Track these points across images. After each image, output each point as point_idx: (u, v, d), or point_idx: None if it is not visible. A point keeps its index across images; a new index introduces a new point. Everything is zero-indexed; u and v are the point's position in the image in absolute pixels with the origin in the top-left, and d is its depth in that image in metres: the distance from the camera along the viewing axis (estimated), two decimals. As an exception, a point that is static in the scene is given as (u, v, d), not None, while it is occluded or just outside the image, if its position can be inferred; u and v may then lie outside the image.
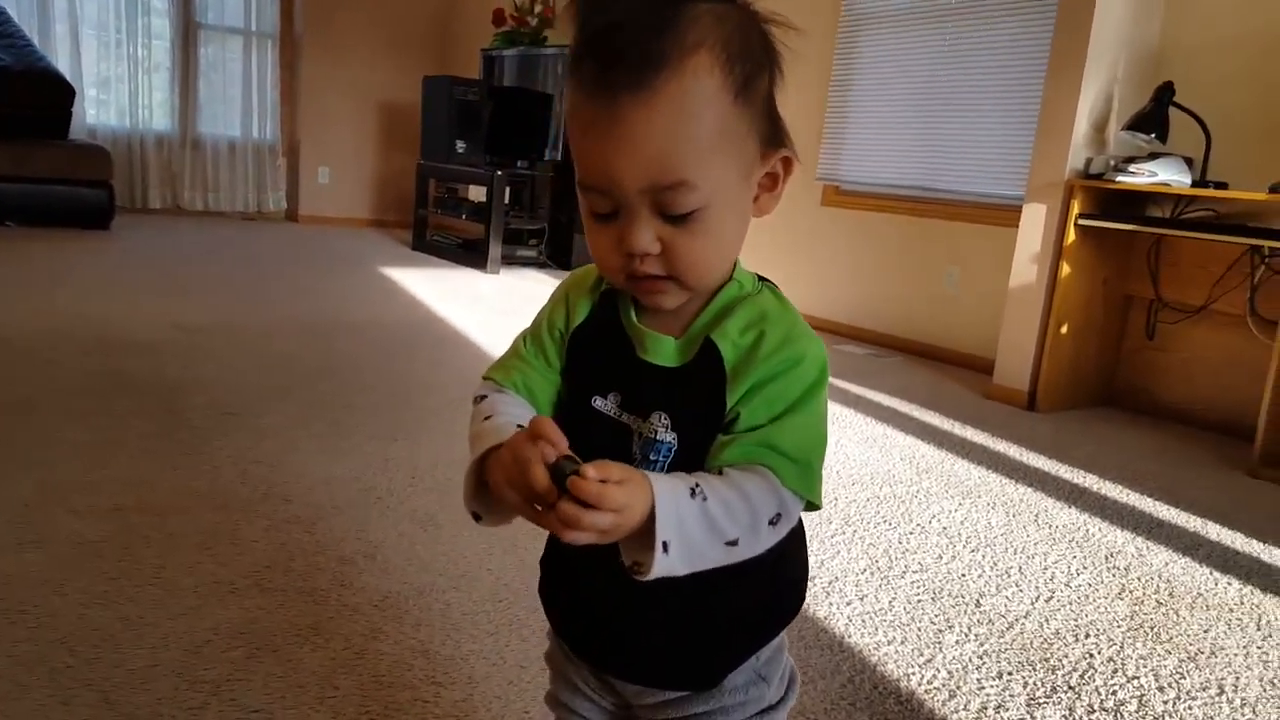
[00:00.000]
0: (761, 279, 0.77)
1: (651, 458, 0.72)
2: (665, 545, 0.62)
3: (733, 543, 0.66)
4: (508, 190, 6.11)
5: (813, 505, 0.71)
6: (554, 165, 6.40)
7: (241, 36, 7.52)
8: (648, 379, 0.74)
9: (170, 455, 2.19)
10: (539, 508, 0.62)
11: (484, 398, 0.77)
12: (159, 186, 7.32)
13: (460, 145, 6.32)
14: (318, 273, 5.28)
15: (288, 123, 7.79)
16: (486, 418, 0.74)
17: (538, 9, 6.61)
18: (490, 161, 6.18)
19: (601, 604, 0.77)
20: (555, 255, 6.47)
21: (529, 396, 0.78)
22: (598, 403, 0.75)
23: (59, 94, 5.99)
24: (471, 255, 6.15)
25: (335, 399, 2.77)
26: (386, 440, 2.43)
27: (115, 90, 7.10)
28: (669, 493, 0.63)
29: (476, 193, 6.30)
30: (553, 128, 6.21)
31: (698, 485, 0.65)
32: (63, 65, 6.61)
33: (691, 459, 0.72)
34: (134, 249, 5.48)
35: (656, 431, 0.72)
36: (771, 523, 0.68)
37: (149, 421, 2.41)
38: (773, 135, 0.71)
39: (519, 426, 0.70)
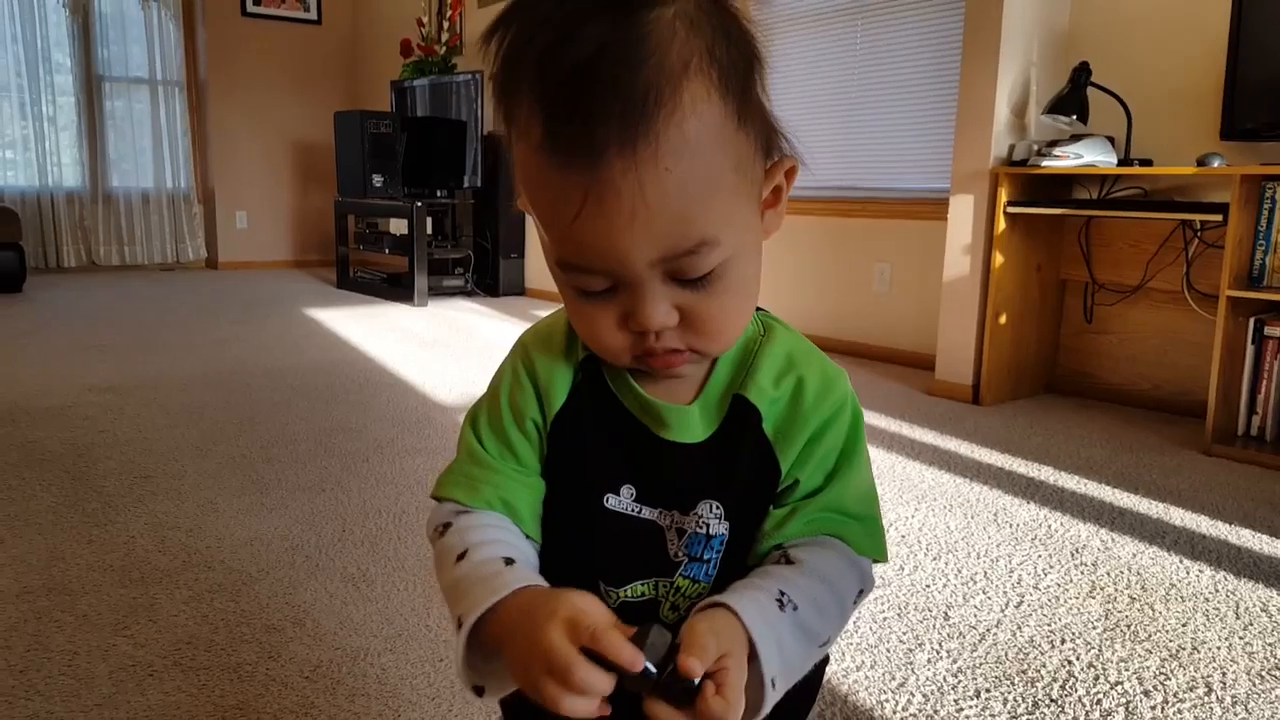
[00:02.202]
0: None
1: (704, 556, 0.61)
2: (773, 682, 0.53)
3: (825, 642, 0.59)
4: (429, 221, 6.00)
5: (880, 560, 0.64)
6: (474, 192, 6.31)
7: (147, 86, 7.31)
8: (675, 462, 0.61)
9: (82, 528, 2.03)
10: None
11: (447, 526, 0.61)
12: (72, 244, 7.09)
13: (377, 179, 6.21)
14: (238, 320, 5.09)
15: (200, 169, 7.59)
16: (460, 556, 0.58)
17: (444, 37, 6.52)
18: (409, 193, 6.09)
19: None
20: (482, 282, 6.36)
21: (506, 512, 0.62)
22: (611, 502, 0.61)
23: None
24: (397, 290, 6.04)
25: (256, 452, 2.62)
26: (313, 492, 2.30)
27: (22, 150, 6.88)
28: (763, 624, 0.53)
29: (397, 225, 6.18)
30: (469, 155, 6.11)
31: (783, 594, 0.56)
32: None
33: (741, 545, 0.62)
34: (46, 310, 5.26)
35: (708, 524, 0.60)
36: (855, 601, 0.61)
37: (58, 493, 2.25)
38: (771, 143, 0.58)
39: (506, 561, 0.57)
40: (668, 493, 0.61)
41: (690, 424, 0.61)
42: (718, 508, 0.61)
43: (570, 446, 0.62)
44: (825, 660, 0.73)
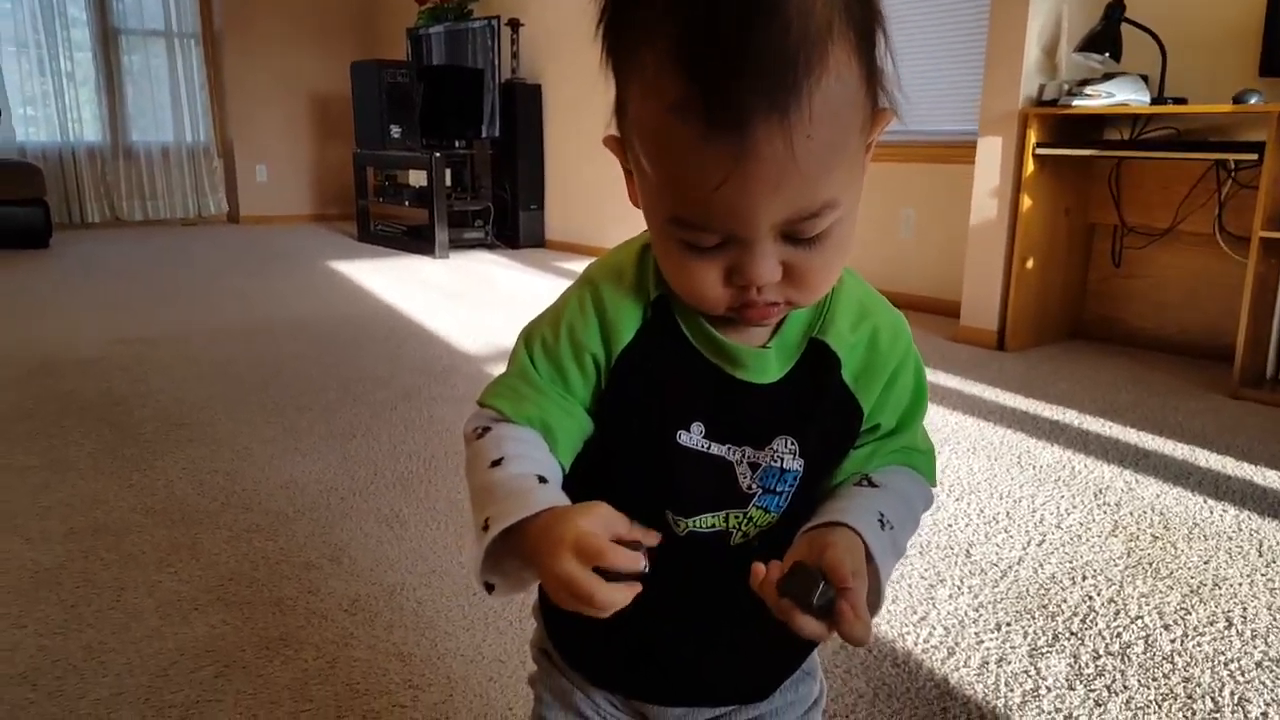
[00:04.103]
0: None
1: (777, 489, 0.63)
2: (883, 594, 0.60)
3: (903, 553, 0.65)
4: (448, 172, 5.97)
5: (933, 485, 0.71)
6: (492, 142, 6.25)
7: (164, 39, 7.30)
8: (748, 401, 0.62)
9: (122, 473, 2.09)
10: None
11: (486, 431, 0.62)
12: (95, 199, 7.14)
13: (395, 130, 6.18)
14: (262, 273, 5.13)
15: (219, 123, 7.59)
16: (495, 462, 0.59)
17: (461, -18, 6.45)
18: (427, 144, 6.04)
19: (682, 643, 0.68)
20: (501, 234, 6.36)
21: (544, 433, 0.62)
22: (683, 439, 0.62)
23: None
24: (418, 242, 6.04)
25: (287, 401, 2.66)
26: (344, 438, 2.34)
27: (43, 106, 6.90)
28: (877, 542, 0.59)
29: (417, 177, 6.17)
30: (487, 103, 6.05)
31: (883, 515, 0.61)
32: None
33: (814, 481, 0.64)
34: (73, 265, 5.32)
35: (783, 459, 0.62)
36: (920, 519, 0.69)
37: (97, 440, 2.30)
38: (878, 97, 0.55)
39: (540, 479, 0.58)
40: (740, 429, 0.62)
41: (767, 365, 0.62)
42: (793, 443, 0.62)
43: (638, 383, 0.62)
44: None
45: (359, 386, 2.81)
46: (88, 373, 2.94)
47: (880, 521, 0.60)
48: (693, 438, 0.62)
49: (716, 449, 0.62)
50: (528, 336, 0.65)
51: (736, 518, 0.64)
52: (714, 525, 0.64)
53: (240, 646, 1.39)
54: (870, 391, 0.64)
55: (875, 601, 0.58)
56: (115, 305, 4.13)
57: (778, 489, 0.63)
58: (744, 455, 0.62)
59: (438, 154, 5.78)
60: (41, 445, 2.25)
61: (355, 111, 6.61)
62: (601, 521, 0.54)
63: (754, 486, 0.63)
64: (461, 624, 1.46)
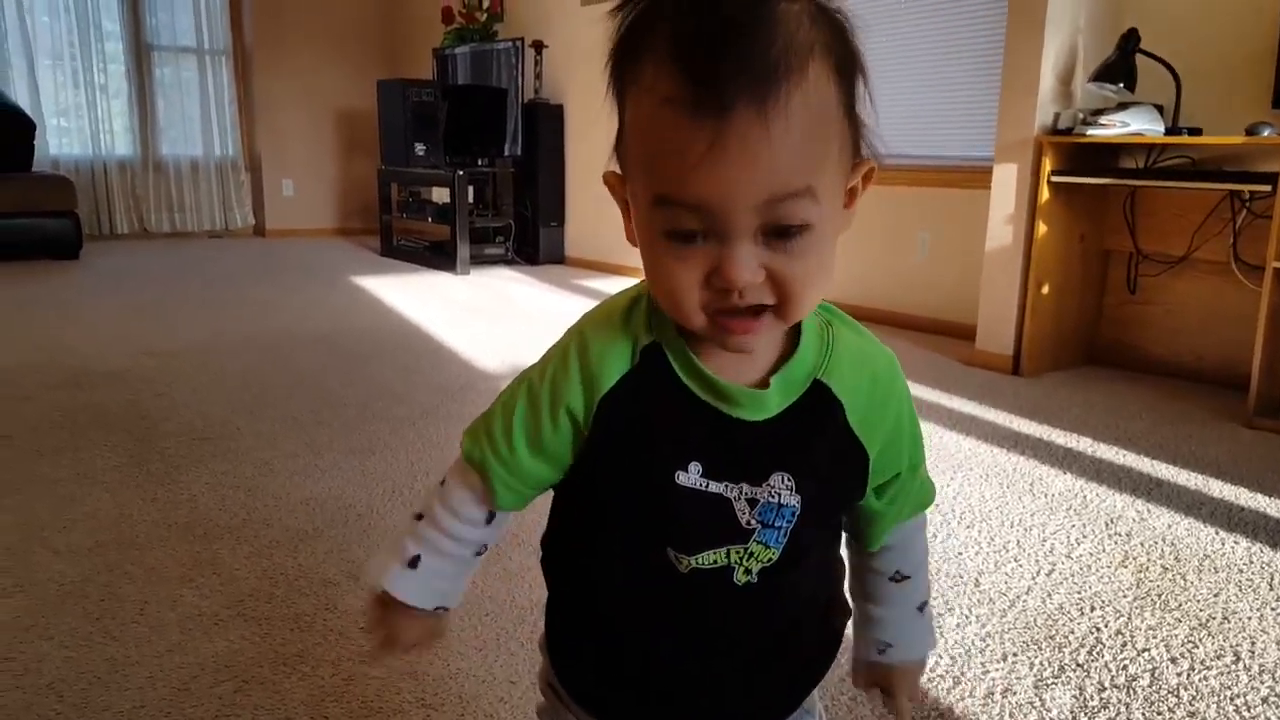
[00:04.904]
0: None
1: (776, 524, 0.65)
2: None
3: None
4: (470, 189, 6.06)
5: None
6: (514, 161, 6.35)
7: (194, 55, 7.42)
8: (744, 438, 0.64)
9: (146, 487, 2.13)
10: None
11: (444, 488, 0.73)
12: (125, 211, 7.26)
13: (419, 148, 6.27)
14: (286, 286, 5.21)
15: (247, 137, 7.70)
16: (418, 518, 0.74)
17: (486, 4, 6.54)
18: (450, 162, 6.13)
19: (685, 681, 0.71)
20: (522, 250, 6.43)
21: (484, 485, 0.71)
22: (681, 478, 0.64)
23: (19, 128, 5.94)
24: (440, 257, 6.11)
25: (307, 415, 2.71)
26: (362, 454, 2.38)
27: (75, 118, 7.03)
28: (926, 649, 0.81)
29: (439, 194, 6.25)
30: (510, 122, 6.14)
31: (922, 605, 0.79)
32: (22, 97, 6.57)
33: (814, 517, 0.67)
34: (102, 277, 5.42)
35: (780, 495, 0.65)
36: None
37: (122, 454, 2.35)
38: (859, 144, 0.62)
39: (439, 611, 0.75)
40: (737, 466, 0.65)
41: (762, 402, 0.64)
42: (789, 479, 0.65)
43: (627, 426, 0.65)
44: (847, 617, 0.79)
45: (378, 402, 2.86)
46: (115, 384, 3.00)
47: (919, 609, 0.77)
48: (690, 477, 0.64)
49: (715, 486, 0.64)
50: (518, 387, 0.70)
51: (738, 553, 0.66)
52: (716, 561, 0.66)
53: (259, 662, 1.42)
54: (875, 434, 0.67)
55: (920, 668, 0.77)
56: (143, 316, 4.20)
57: (776, 524, 0.65)
58: (741, 492, 0.65)
59: (461, 172, 5.86)
60: (69, 458, 2.31)
61: (381, 128, 6.71)
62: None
63: (753, 522, 0.65)
64: (474, 644, 1.49)
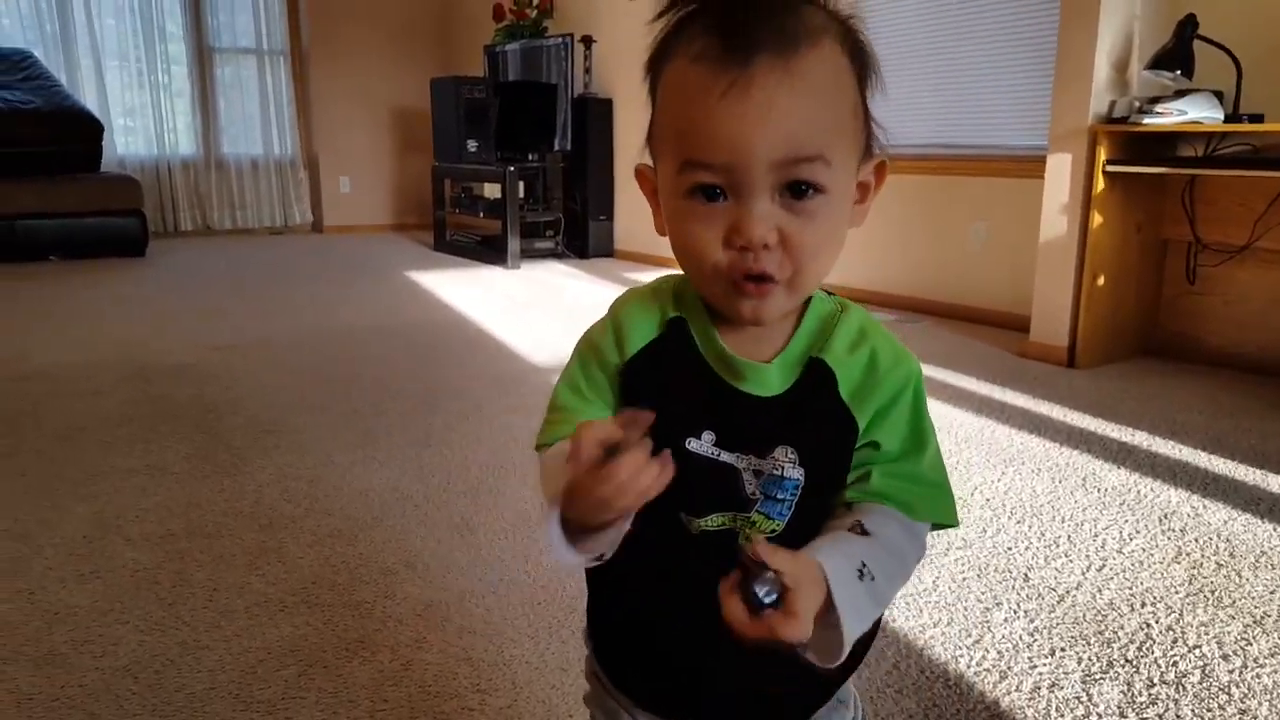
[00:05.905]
0: (827, 293, 0.73)
1: (779, 496, 0.68)
2: (846, 641, 0.60)
3: (888, 603, 0.68)
4: (521, 185, 6.13)
5: (952, 526, 0.72)
6: (564, 155, 6.41)
7: (254, 56, 7.61)
8: (750, 412, 0.68)
9: (214, 477, 2.22)
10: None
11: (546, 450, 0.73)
12: (188, 209, 7.46)
13: (471, 144, 6.36)
14: (344, 281, 5.33)
15: (305, 136, 7.87)
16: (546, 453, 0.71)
17: (536, 1, 6.59)
18: (502, 157, 6.22)
19: (715, 667, 0.72)
20: (572, 244, 6.50)
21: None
22: (693, 445, 0.68)
23: (89, 130, 6.14)
24: (491, 252, 6.19)
25: (367, 408, 2.78)
26: (419, 446, 2.44)
27: (141, 118, 7.25)
28: (844, 593, 0.59)
29: (491, 190, 6.34)
30: (560, 117, 6.20)
31: (864, 566, 0.63)
32: (90, 98, 6.81)
33: (817, 491, 0.69)
34: (168, 274, 5.59)
35: (783, 468, 0.68)
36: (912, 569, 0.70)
37: (191, 445, 2.44)
38: (870, 141, 0.68)
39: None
40: (745, 438, 0.68)
41: (768, 380, 0.68)
42: (792, 453, 0.68)
43: (648, 390, 0.69)
44: (878, 622, 0.80)
45: (433, 395, 2.93)
46: (181, 378, 3.11)
47: (860, 572, 0.62)
48: (703, 445, 0.68)
49: (726, 456, 0.68)
50: (572, 357, 0.75)
51: (741, 520, 0.69)
52: (723, 524, 0.70)
53: (322, 647, 1.48)
54: (867, 408, 0.68)
55: (836, 649, 0.59)
56: (207, 312, 4.33)
57: (779, 496, 0.68)
58: (749, 463, 0.68)
59: (511, 167, 5.94)
60: (140, 449, 2.40)
61: (434, 126, 6.81)
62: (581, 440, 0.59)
63: (757, 493, 0.68)
64: (526, 631, 1.53)
